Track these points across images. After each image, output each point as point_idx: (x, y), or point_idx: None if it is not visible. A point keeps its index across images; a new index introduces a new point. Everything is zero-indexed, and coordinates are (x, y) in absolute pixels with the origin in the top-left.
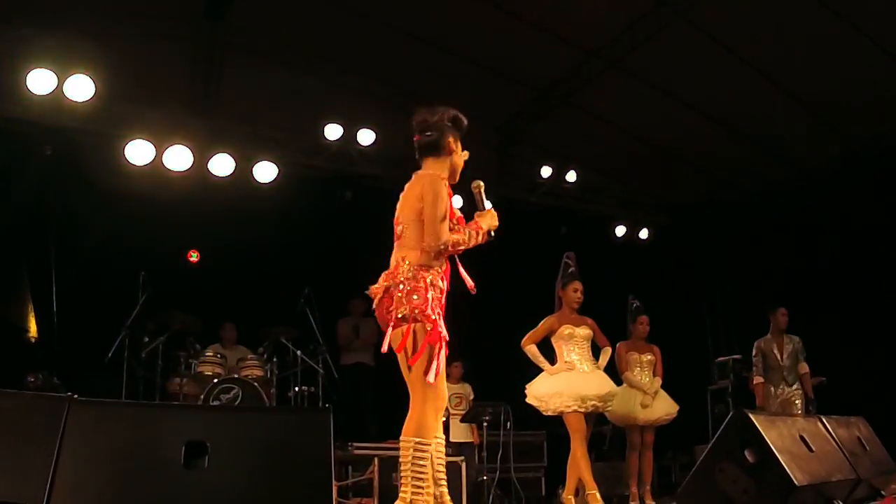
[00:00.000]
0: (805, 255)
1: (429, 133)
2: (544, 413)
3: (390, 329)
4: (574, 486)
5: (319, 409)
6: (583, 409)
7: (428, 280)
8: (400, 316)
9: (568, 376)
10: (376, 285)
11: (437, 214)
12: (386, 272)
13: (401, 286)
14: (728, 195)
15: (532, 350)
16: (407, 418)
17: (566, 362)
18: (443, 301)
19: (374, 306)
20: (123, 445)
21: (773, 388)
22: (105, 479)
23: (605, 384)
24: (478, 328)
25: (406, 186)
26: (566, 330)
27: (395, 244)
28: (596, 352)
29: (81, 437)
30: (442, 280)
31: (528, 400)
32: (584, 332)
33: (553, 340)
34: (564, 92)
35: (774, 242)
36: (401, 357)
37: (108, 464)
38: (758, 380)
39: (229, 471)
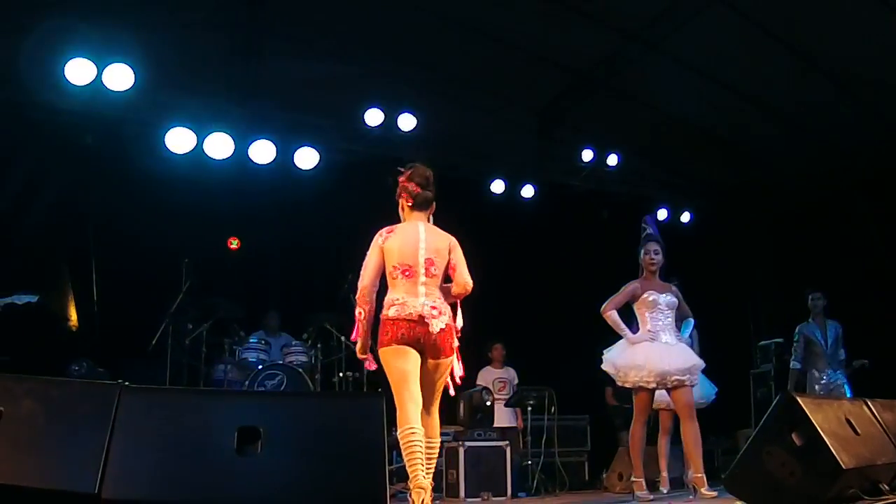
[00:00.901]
0: (846, 237)
1: (430, 191)
2: (620, 384)
3: (455, 357)
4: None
5: (372, 394)
6: (662, 386)
7: None
8: (457, 346)
9: (649, 348)
10: (434, 311)
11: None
12: (432, 305)
13: (454, 322)
14: (769, 177)
15: (612, 317)
16: (435, 421)
17: (649, 331)
18: None
19: (434, 331)
20: (175, 432)
21: (816, 374)
22: (157, 465)
23: (688, 357)
24: (520, 312)
25: (423, 231)
26: (650, 297)
27: (429, 279)
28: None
29: (133, 424)
30: None
31: (603, 366)
32: (668, 299)
33: (635, 307)
34: (604, 75)
35: (815, 224)
36: (439, 374)
37: (161, 451)
38: (794, 365)
39: (283, 456)
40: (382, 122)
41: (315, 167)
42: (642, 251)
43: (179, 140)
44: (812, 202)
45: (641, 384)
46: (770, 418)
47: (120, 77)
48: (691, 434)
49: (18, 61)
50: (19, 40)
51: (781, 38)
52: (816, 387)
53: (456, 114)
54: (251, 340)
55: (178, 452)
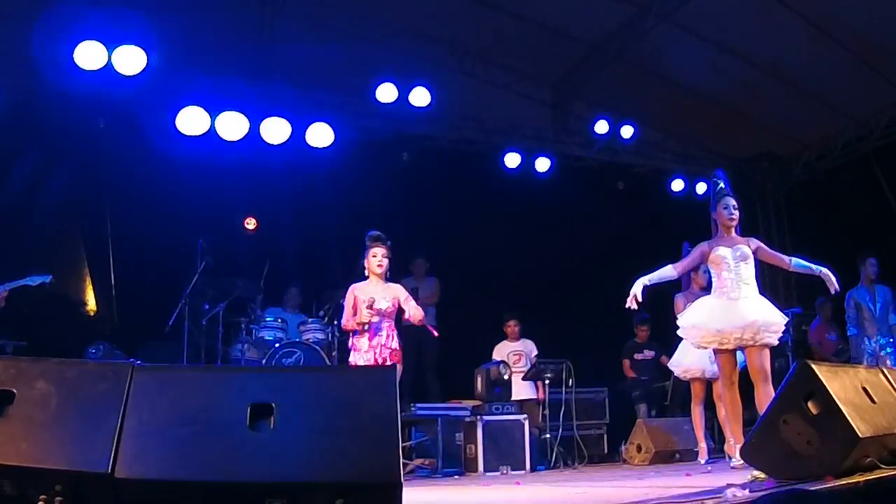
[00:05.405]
0: (863, 206)
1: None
2: (697, 348)
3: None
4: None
5: (384, 368)
6: (729, 345)
7: None
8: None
9: (709, 305)
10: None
11: None
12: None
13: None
14: (784, 147)
15: (680, 268)
16: None
17: (720, 289)
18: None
19: None
20: (187, 409)
21: (865, 339)
22: (170, 443)
23: (750, 312)
24: (536, 285)
25: None
26: (716, 252)
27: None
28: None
29: (145, 402)
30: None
31: (679, 332)
32: (736, 253)
33: (711, 269)
34: (618, 47)
35: (831, 194)
36: None
37: (173, 428)
38: (852, 331)
39: (295, 431)
40: (396, 99)
41: (329, 145)
42: (719, 207)
43: (192, 121)
44: (828, 171)
45: (703, 345)
46: (786, 387)
47: (131, 60)
48: (763, 400)
49: (29, 47)
50: (29, 26)
51: (794, 6)
52: (866, 351)
53: (470, 88)
54: (268, 319)
55: (190, 430)
